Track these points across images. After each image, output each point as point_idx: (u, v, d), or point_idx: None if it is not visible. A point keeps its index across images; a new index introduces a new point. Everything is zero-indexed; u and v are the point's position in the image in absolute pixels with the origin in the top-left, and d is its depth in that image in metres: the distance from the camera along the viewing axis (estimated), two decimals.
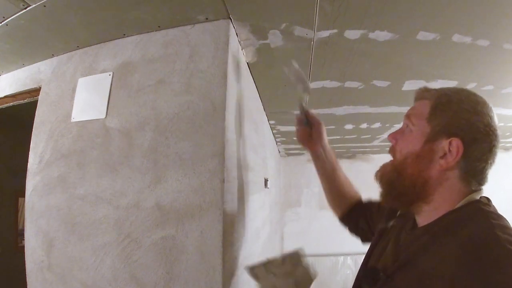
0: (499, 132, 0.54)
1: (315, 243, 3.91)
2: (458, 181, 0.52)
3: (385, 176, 0.59)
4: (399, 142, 0.59)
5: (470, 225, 0.47)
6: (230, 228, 0.85)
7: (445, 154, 0.51)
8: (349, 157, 4.22)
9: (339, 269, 3.70)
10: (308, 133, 0.88)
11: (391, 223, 0.66)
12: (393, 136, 0.61)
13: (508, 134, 3.00)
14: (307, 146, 0.90)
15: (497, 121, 0.54)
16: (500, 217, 0.50)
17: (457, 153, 0.50)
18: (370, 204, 0.87)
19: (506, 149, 4.25)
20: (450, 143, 0.51)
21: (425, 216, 0.55)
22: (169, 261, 0.78)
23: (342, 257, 3.73)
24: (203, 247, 0.77)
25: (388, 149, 0.63)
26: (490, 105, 0.54)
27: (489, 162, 0.53)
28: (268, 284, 0.72)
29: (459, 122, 0.51)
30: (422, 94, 0.59)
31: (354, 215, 0.87)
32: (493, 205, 0.54)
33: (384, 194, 0.60)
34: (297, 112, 0.88)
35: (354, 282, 0.64)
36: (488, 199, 0.55)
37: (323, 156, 0.89)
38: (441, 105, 0.54)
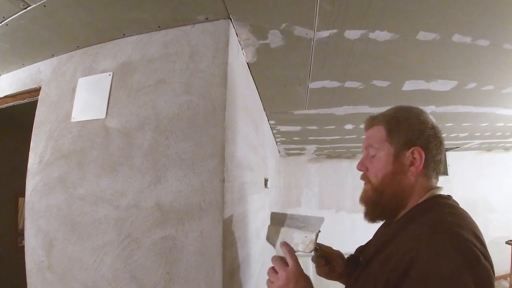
0: (438, 125, 0.66)
1: None
2: (423, 179, 0.63)
3: (369, 199, 0.67)
4: (371, 169, 0.67)
5: (428, 214, 0.57)
6: (230, 228, 0.85)
7: (412, 162, 0.62)
8: (349, 157, 4.22)
9: None
10: (331, 268, 0.79)
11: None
12: (362, 165, 0.69)
13: (508, 134, 2.99)
14: (333, 279, 0.82)
15: (433, 119, 0.66)
16: (455, 207, 0.59)
17: (421, 157, 0.61)
18: None
19: (506, 149, 4.25)
20: (412, 152, 0.62)
21: (401, 213, 0.65)
22: (169, 261, 0.78)
23: None
24: (203, 247, 0.77)
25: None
26: (424, 109, 0.67)
27: (443, 151, 0.65)
28: (276, 230, 0.79)
29: (413, 134, 0.63)
30: (371, 122, 0.70)
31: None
32: (453, 199, 0.62)
33: (369, 213, 0.68)
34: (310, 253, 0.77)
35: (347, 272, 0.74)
36: (449, 195, 0.64)
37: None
38: (393, 126, 0.65)
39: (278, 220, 0.80)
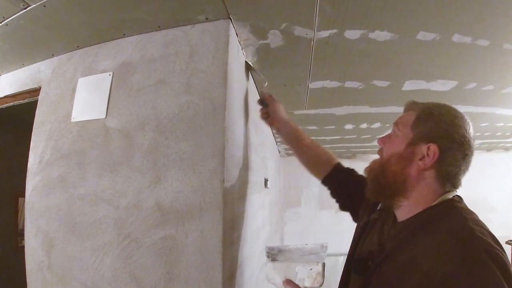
0: (473, 143, 0.63)
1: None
2: (434, 181, 0.60)
3: (372, 171, 0.68)
4: (386, 145, 0.68)
5: (446, 220, 0.54)
6: (230, 228, 0.85)
7: (423, 156, 0.60)
8: (349, 157, 4.22)
9: (339, 269, 3.69)
10: (267, 113, 1.04)
11: (372, 216, 0.72)
12: (382, 140, 0.71)
13: (508, 134, 2.99)
14: (268, 123, 1.07)
15: (472, 134, 0.63)
16: (471, 212, 0.57)
17: (434, 156, 0.59)
18: (352, 178, 0.93)
19: (506, 149, 4.25)
20: (428, 148, 0.60)
21: (404, 211, 0.62)
22: (169, 261, 0.78)
23: (342, 257, 3.73)
24: (203, 247, 0.77)
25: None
26: (468, 120, 0.64)
27: (462, 168, 0.61)
28: (275, 267, 0.73)
29: (438, 131, 0.60)
30: (410, 106, 0.69)
31: (334, 180, 0.95)
32: (464, 203, 0.61)
33: (370, 188, 0.68)
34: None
35: (343, 272, 0.71)
36: (460, 197, 0.63)
37: (283, 129, 1.05)
38: (424, 115, 0.63)
39: (275, 255, 0.75)
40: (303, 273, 0.70)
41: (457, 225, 0.53)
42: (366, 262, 0.62)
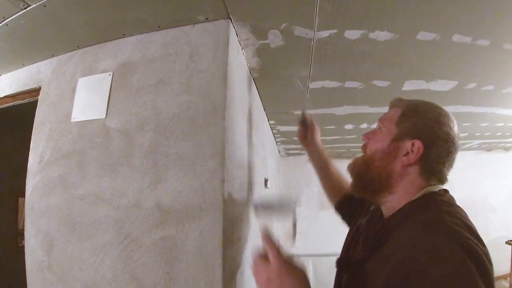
0: (457, 140, 0.62)
1: (315, 243, 3.91)
2: (418, 176, 0.60)
3: (355, 168, 0.68)
4: (371, 141, 0.68)
5: (424, 214, 0.54)
6: (230, 228, 0.85)
7: (407, 152, 0.60)
8: (349, 157, 4.22)
9: None
10: (303, 133, 1.06)
11: (365, 218, 0.72)
12: (367, 136, 0.70)
13: (508, 134, 2.99)
14: (303, 145, 1.08)
15: (457, 132, 0.62)
16: (452, 205, 0.56)
17: (418, 152, 0.59)
18: (359, 198, 0.90)
19: (506, 149, 4.25)
20: (412, 144, 0.60)
21: (389, 207, 0.63)
22: (169, 261, 0.78)
23: None
24: (203, 247, 0.77)
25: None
26: (453, 118, 0.64)
27: (446, 164, 0.61)
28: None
29: (422, 127, 0.60)
30: (396, 102, 0.69)
31: (345, 206, 0.96)
32: (450, 196, 0.60)
33: (353, 185, 0.68)
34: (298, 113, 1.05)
35: (336, 272, 0.70)
36: (445, 190, 0.62)
37: (316, 153, 1.06)
38: (409, 112, 0.63)
39: (259, 211, 0.89)
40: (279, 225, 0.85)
41: (432, 217, 0.52)
42: (349, 260, 0.65)
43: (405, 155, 0.60)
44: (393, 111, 0.67)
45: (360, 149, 0.72)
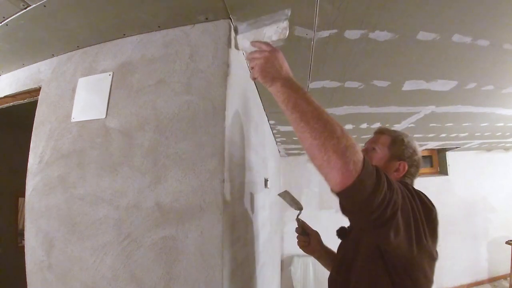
0: (421, 163, 0.94)
1: None
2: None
3: None
4: (367, 156, 0.83)
5: None
6: (230, 228, 0.85)
7: (397, 169, 0.90)
8: None
9: None
10: (308, 241, 1.10)
11: None
12: (365, 152, 0.95)
13: (508, 134, 2.99)
14: (308, 252, 1.12)
15: (420, 155, 0.94)
16: (421, 193, 0.78)
17: (403, 170, 0.89)
18: None
19: (506, 149, 4.25)
20: (400, 164, 0.90)
21: None
22: (169, 261, 0.78)
23: None
24: (203, 247, 0.77)
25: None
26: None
27: (416, 176, 0.94)
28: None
29: (406, 153, 0.91)
30: (383, 130, 0.98)
31: None
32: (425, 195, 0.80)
33: None
34: (296, 226, 1.14)
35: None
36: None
37: (324, 253, 1.11)
38: (398, 140, 0.92)
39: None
40: (270, 31, 0.81)
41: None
42: (345, 229, 0.96)
43: (395, 171, 0.90)
44: (384, 137, 0.94)
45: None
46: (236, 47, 0.90)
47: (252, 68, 0.73)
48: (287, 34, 0.84)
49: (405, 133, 0.94)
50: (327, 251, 1.11)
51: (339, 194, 0.57)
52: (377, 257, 0.73)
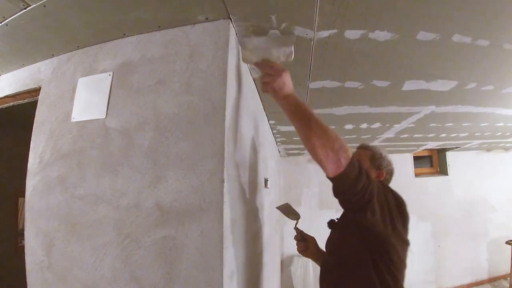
0: (393, 172, 1.19)
1: None
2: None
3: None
4: None
5: None
6: (230, 228, 0.85)
7: (377, 176, 1.12)
8: None
9: None
10: (306, 246, 1.27)
11: None
12: None
13: (508, 134, 2.99)
14: (307, 256, 1.29)
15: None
16: (394, 190, 1.01)
17: (382, 176, 1.13)
18: None
19: (506, 149, 4.25)
20: (379, 172, 1.13)
21: None
22: (169, 261, 0.78)
23: None
24: (203, 247, 0.77)
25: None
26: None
27: (390, 181, 1.17)
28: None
29: (383, 164, 1.14)
30: (364, 146, 1.21)
31: None
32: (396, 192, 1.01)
33: None
34: (294, 234, 1.30)
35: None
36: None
37: (321, 257, 1.25)
38: (376, 155, 1.16)
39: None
40: (278, 52, 0.90)
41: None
42: (334, 221, 1.14)
43: (376, 177, 1.11)
44: (365, 152, 1.18)
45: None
46: (243, 60, 0.98)
47: (264, 83, 0.89)
48: (292, 58, 0.93)
49: (381, 148, 1.19)
50: (323, 253, 1.25)
51: (333, 179, 0.80)
52: (359, 240, 0.90)
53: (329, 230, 1.14)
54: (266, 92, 0.90)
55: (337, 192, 0.84)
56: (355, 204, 0.84)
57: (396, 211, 0.91)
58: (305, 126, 0.81)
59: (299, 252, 1.29)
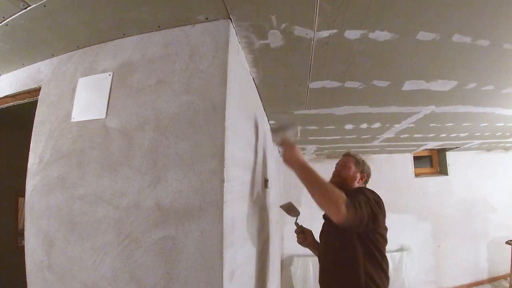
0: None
1: None
2: (361, 184, 1.47)
3: (337, 181, 1.41)
4: (343, 171, 1.46)
5: (359, 188, 1.33)
6: (230, 228, 0.85)
7: (360, 178, 1.45)
8: None
9: None
10: (305, 237, 1.54)
11: None
12: (341, 168, 1.48)
13: (508, 134, 2.99)
14: (306, 246, 1.56)
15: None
16: (372, 191, 1.29)
17: (364, 179, 1.47)
18: None
19: (506, 149, 4.25)
20: (362, 175, 1.46)
21: (349, 190, 1.31)
22: (169, 261, 0.78)
23: None
24: (203, 247, 0.77)
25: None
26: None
27: (368, 182, 1.51)
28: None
29: (365, 168, 1.48)
30: (349, 153, 1.52)
31: None
32: (373, 191, 1.30)
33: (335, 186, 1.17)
34: (294, 227, 1.54)
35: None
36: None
37: (317, 246, 1.52)
38: (359, 160, 1.48)
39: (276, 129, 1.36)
40: (289, 134, 1.29)
41: (361, 188, 1.33)
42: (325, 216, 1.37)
43: (360, 179, 1.45)
44: (350, 158, 1.48)
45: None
46: (273, 141, 1.36)
47: (283, 155, 1.21)
48: (298, 136, 1.32)
49: (361, 155, 1.54)
50: (318, 243, 1.51)
51: (340, 225, 1.04)
52: (354, 236, 1.20)
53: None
54: (285, 161, 1.20)
55: (345, 227, 1.08)
56: (357, 228, 1.11)
57: (378, 208, 1.19)
58: (310, 186, 1.09)
59: (298, 243, 1.55)
